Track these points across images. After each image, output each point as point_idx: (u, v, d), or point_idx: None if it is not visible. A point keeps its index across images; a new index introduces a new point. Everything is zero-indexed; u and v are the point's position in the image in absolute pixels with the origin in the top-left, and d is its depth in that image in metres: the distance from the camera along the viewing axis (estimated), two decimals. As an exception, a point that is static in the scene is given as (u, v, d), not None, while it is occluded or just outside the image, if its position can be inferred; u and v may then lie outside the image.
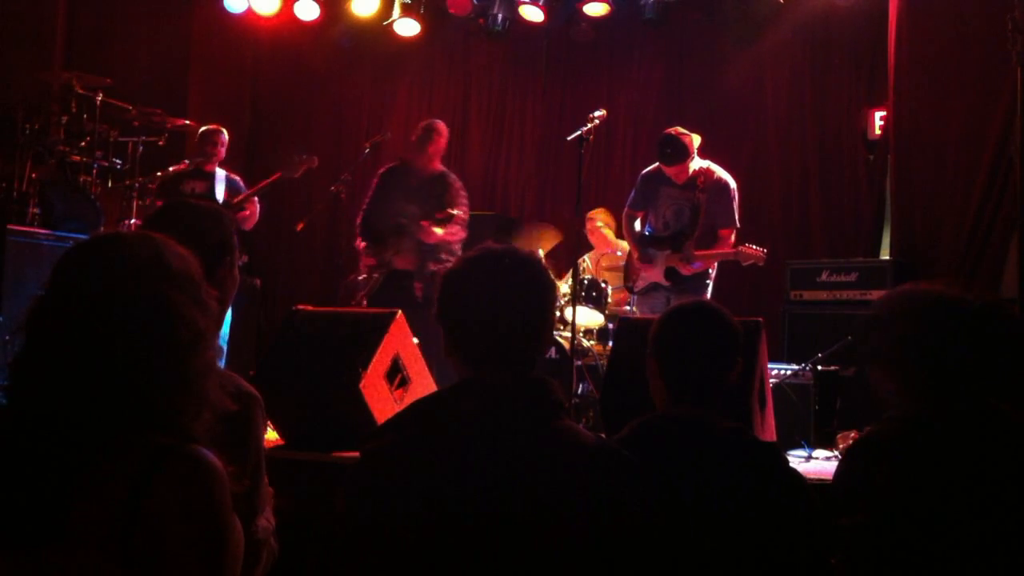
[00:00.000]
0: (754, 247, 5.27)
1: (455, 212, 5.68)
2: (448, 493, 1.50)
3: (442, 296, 1.68)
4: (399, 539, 1.49)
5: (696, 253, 5.37)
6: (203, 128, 6.56)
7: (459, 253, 5.52)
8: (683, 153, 5.38)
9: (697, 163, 5.49)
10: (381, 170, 6.07)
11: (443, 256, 5.67)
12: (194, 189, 6.32)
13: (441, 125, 5.99)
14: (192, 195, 6.24)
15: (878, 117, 6.78)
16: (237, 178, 6.55)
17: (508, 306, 1.63)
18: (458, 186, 5.87)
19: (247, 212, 6.34)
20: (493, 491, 1.49)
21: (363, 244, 5.85)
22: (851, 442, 4.39)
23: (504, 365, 1.62)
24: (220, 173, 6.46)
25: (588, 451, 1.58)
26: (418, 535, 1.48)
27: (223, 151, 6.48)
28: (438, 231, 5.63)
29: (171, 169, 6.49)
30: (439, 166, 5.93)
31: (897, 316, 2.09)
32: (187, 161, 6.56)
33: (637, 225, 5.72)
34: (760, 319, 3.87)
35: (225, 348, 6.12)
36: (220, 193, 6.36)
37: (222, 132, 6.50)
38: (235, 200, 6.30)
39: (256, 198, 6.38)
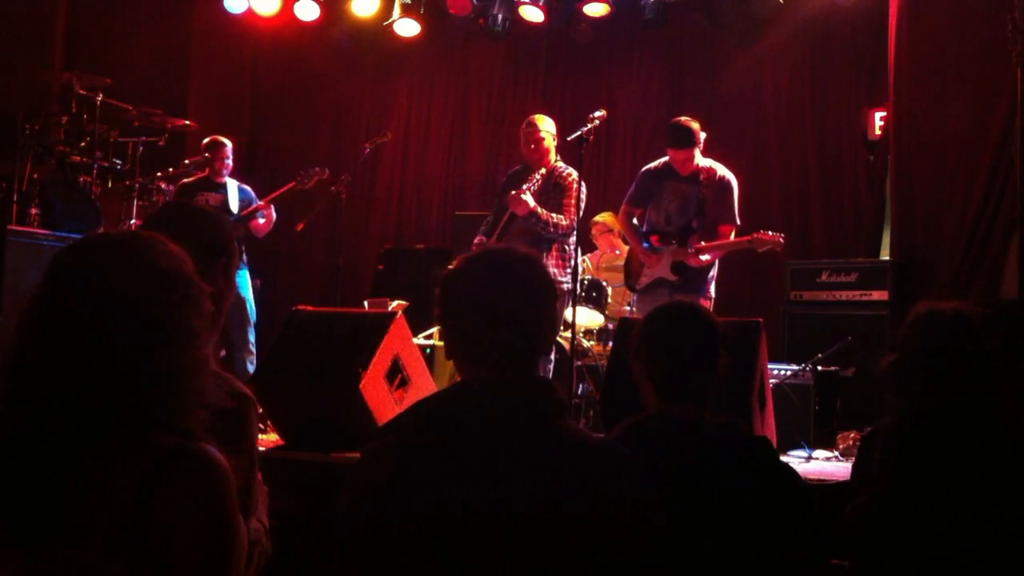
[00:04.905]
0: (769, 232, 5.12)
1: None
2: (449, 494, 1.49)
3: (441, 297, 1.68)
4: (399, 540, 1.49)
5: (706, 245, 5.23)
6: (208, 141, 6.51)
7: None
8: (692, 138, 5.24)
9: (701, 159, 5.36)
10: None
11: None
12: (207, 201, 6.31)
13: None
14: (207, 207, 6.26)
15: (878, 117, 6.77)
16: (248, 187, 6.55)
17: (506, 305, 1.63)
18: None
19: (262, 221, 6.35)
20: (494, 491, 1.49)
21: None
22: (851, 441, 4.41)
23: (504, 365, 1.62)
24: (232, 184, 6.47)
25: (590, 451, 1.57)
26: (418, 536, 1.48)
27: (231, 163, 6.49)
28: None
29: (184, 181, 6.51)
30: None
31: (899, 334, 2.39)
32: (197, 172, 6.56)
33: (635, 222, 5.58)
34: (760, 319, 3.88)
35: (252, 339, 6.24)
36: (234, 205, 6.38)
37: (227, 145, 6.47)
38: (245, 211, 6.32)
39: (272, 206, 6.38)
